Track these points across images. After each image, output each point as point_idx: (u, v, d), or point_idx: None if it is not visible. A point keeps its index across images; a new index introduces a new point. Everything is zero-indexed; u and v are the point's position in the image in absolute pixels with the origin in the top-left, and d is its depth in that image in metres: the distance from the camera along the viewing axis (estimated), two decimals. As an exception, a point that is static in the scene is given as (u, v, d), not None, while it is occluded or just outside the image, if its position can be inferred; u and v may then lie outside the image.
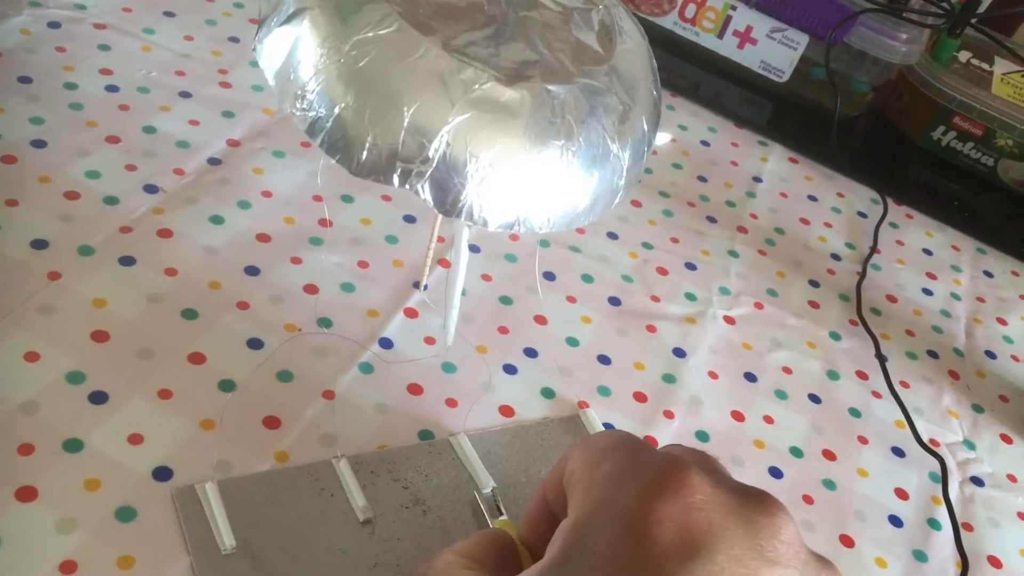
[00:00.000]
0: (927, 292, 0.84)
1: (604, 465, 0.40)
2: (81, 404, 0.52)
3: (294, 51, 0.47)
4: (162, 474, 0.51)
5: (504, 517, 0.53)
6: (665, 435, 0.63)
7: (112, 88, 0.73)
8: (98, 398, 0.53)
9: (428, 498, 0.54)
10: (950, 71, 1.00)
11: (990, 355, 0.79)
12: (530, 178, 0.45)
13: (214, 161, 0.70)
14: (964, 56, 1.03)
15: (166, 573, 0.47)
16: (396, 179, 0.44)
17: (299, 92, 0.46)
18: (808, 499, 0.62)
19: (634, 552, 0.36)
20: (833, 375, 0.72)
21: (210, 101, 0.75)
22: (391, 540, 0.52)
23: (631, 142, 0.48)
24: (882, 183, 0.95)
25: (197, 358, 0.57)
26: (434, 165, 0.44)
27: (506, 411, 0.61)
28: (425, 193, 0.44)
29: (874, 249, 0.86)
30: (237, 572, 0.48)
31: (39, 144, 0.66)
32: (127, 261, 0.61)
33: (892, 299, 0.81)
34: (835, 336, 0.75)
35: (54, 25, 0.77)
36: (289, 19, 0.48)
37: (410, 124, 0.44)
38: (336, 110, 0.45)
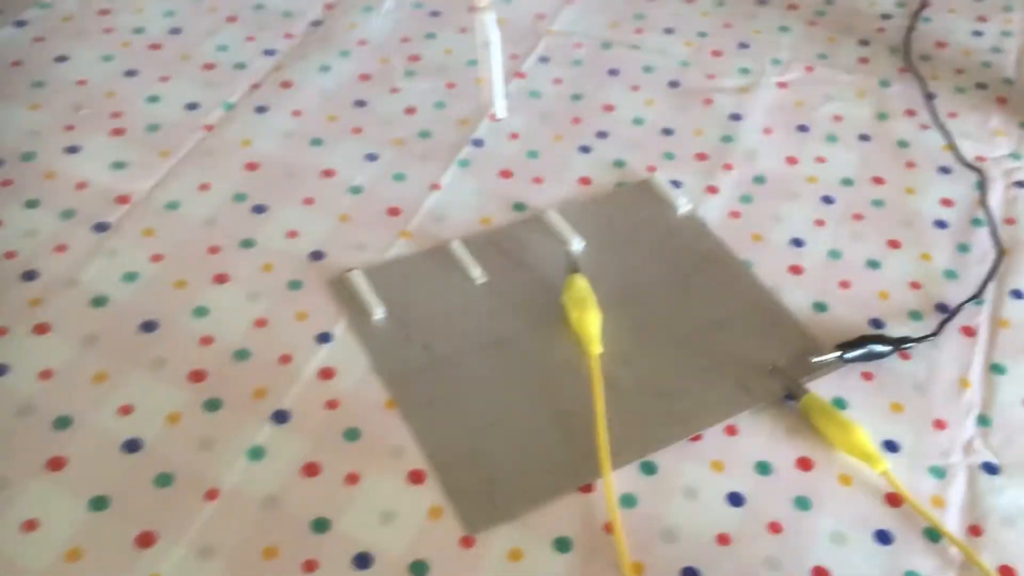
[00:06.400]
0: (977, 34, 0.89)
1: None
2: (246, 215, 0.67)
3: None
4: (317, 256, 0.65)
5: (580, 274, 0.65)
6: (726, 183, 0.73)
7: (223, -21, 0.86)
8: (259, 209, 0.68)
9: (529, 262, 0.66)
10: None
11: (1042, 80, 0.84)
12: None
13: (316, 23, 0.83)
14: None
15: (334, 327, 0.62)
16: None
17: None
18: (858, 216, 0.71)
19: None
20: (882, 116, 0.79)
21: (304, -24, 0.88)
22: (503, 294, 0.64)
23: None
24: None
25: (329, 173, 0.71)
26: None
27: (585, 181, 0.72)
28: None
29: (924, 3, 0.91)
30: (387, 328, 0.62)
31: (176, 31, 0.81)
32: (261, 110, 0.75)
33: (942, 45, 0.87)
34: (884, 83, 0.82)
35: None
36: None
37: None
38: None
